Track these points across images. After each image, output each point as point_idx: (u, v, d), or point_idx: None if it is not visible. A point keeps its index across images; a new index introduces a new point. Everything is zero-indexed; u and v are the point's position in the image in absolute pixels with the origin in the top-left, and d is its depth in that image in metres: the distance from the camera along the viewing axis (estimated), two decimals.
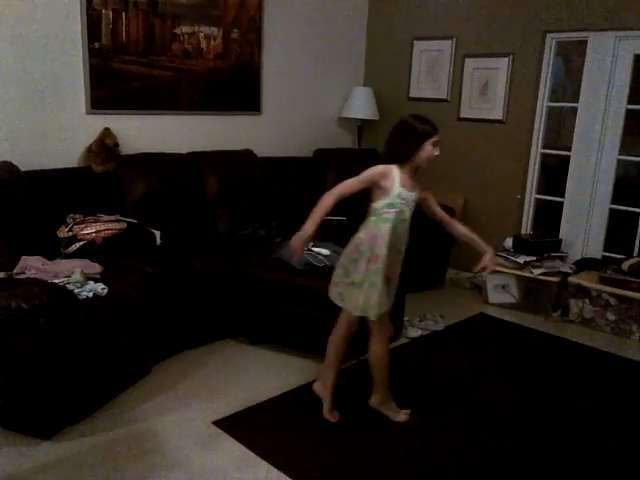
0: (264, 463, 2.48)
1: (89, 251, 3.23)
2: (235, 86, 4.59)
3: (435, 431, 2.78)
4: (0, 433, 2.60)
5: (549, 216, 4.75)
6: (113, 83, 3.92)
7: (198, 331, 3.52)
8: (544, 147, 4.65)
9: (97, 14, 3.75)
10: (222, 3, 4.35)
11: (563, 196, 4.59)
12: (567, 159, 4.52)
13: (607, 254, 4.44)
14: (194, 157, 4.21)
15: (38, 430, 2.59)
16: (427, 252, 4.53)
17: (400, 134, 2.59)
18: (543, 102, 4.56)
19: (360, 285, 2.58)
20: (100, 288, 2.83)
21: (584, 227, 4.50)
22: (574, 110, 4.44)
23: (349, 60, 5.38)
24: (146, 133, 4.14)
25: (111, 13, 3.81)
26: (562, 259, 4.44)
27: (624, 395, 3.23)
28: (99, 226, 3.31)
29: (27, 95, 3.57)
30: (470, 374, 3.39)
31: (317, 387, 2.92)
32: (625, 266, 4.04)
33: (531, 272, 4.28)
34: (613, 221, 4.42)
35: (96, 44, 3.78)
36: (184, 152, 4.21)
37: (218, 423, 2.76)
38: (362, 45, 5.45)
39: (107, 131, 3.85)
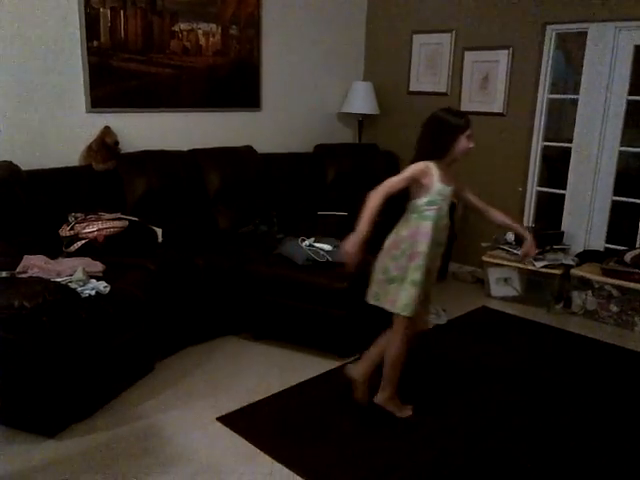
0: (268, 458, 2.49)
1: (91, 249, 3.23)
2: (235, 82, 4.58)
3: (437, 426, 2.78)
4: (4, 431, 2.61)
5: (551, 209, 4.74)
6: (112, 81, 3.92)
7: (201, 328, 3.53)
8: (545, 139, 4.64)
9: (95, 12, 3.74)
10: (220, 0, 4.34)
11: (565, 188, 4.58)
12: (568, 151, 4.51)
13: (609, 246, 4.44)
14: (194, 154, 4.21)
15: (42, 428, 2.60)
16: None
17: (434, 130, 2.58)
18: (544, 94, 4.55)
19: (400, 282, 2.58)
20: (102, 286, 2.83)
21: (586, 219, 4.50)
22: (575, 102, 4.43)
23: (349, 55, 5.36)
24: (146, 131, 4.14)
25: (109, 11, 3.81)
26: (564, 251, 4.43)
27: (628, 387, 3.23)
28: (101, 224, 3.32)
29: (27, 95, 3.57)
30: (473, 367, 3.39)
31: (352, 370, 2.89)
32: (627, 258, 4.03)
33: (533, 265, 4.28)
34: (615, 213, 4.41)
35: (95, 43, 3.78)
36: (184, 149, 4.21)
37: (222, 419, 2.77)
38: (361, 40, 5.44)
39: (107, 129, 3.85)
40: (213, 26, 4.35)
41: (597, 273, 4.10)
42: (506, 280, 4.50)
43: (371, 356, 2.83)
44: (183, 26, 4.19)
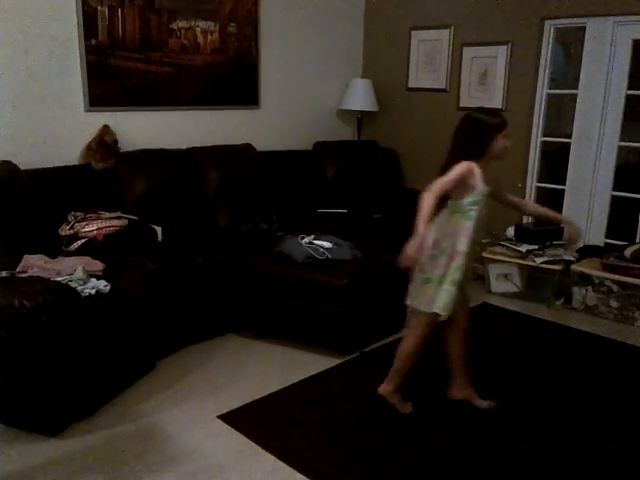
0: (270, 456, 2.49)
1: (91, 248, 3.23)
2: (233, 80, 4.58)
3: (436, 424, 2.78)
4: (5, 431, 2.61)
5: (550, 204, 4.70)
6: (111, 80, 3.91)
7: (201, 326, 3.53)
8: (544, 135, 4.64)
9: (93, 11, 3.74)
10: None
11: (564, 184, 4.57)
12: (568, 146, 4.50)
13: (609, 241, 4.44)
14: (193, 152, 4.20)
15: (44, 427, 2.60)
16: None
17: (471, 130, 2.57)
18: (543, 89, 4.54)
19: (439, 282, 2.57)
20: (102, 285, 2.83)
21: (586, 214, 4.49)
22: (574, 97, 4.42)
23: (347, 52, 5.35)
24: (145, 129, 4.13)
25: (107, 10, 3.80)
26: (564, 247, 4.43)
27: (628, 382, 3.23)
28: (100, 223, 3.32)
29: (25, 94, 3.56)
30: (473, 363, 3.39)
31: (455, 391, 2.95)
32: (627, 253, 4.03)
33: (533, 261, 4.27)
34: (615, 208, 4.41)
35: (93, 41, 3.77)
36: (183, 147, 4.21)
37: (223, 417, 2.77)
38: (360, 36, 5.43)
39: (106, 128, 3.84)
40: (211, 24, 4.34)
41: (597, 268, 4.10)
42: (506, 276, 4.50)
43: (453, 361, 2.90)
44: (181, 24, 4.18)
